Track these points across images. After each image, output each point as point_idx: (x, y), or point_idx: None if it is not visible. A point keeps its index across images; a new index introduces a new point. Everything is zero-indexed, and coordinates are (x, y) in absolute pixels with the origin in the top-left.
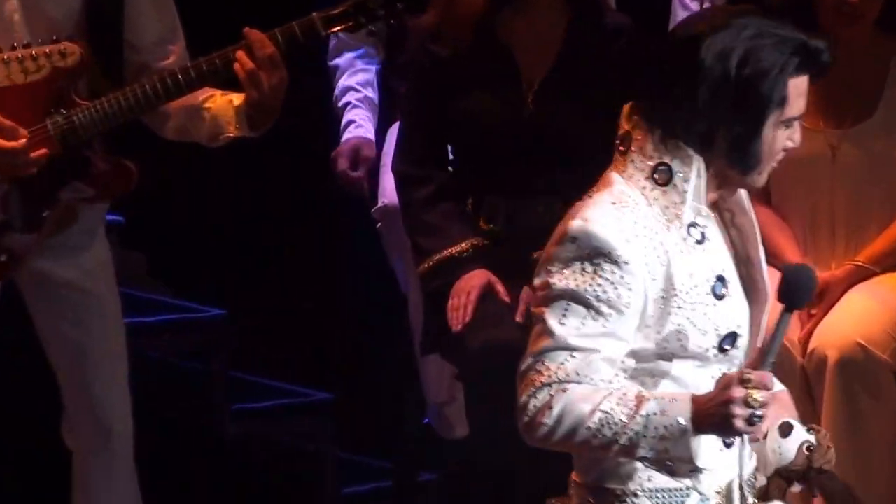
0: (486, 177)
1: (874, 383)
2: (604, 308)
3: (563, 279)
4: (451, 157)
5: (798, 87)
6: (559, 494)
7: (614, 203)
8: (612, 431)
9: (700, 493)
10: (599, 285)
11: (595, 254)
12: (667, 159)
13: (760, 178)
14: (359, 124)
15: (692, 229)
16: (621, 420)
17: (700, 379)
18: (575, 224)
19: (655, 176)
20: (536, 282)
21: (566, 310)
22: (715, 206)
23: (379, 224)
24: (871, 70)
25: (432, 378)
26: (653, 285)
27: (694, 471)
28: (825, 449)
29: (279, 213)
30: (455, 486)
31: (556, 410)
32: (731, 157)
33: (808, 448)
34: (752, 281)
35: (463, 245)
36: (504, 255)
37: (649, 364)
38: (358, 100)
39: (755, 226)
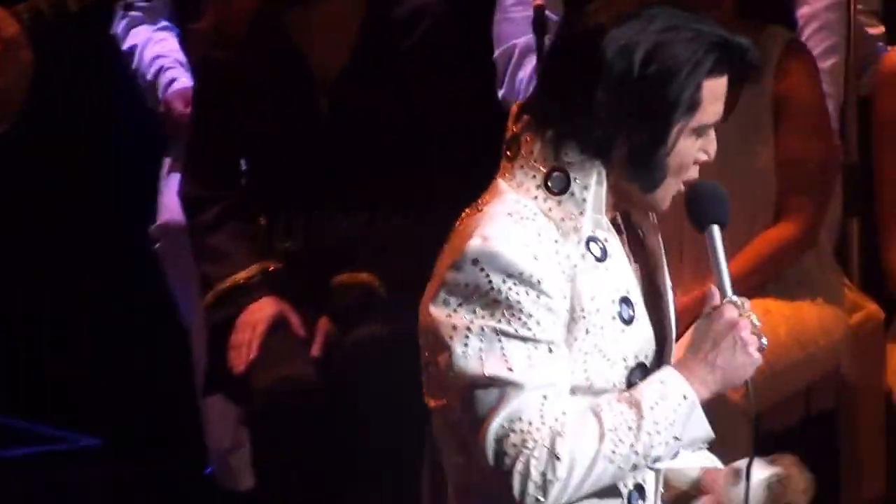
0: (281, 191)
1: (722, 429)
2: (538, 334)
3: (474, 318)
4: (244, 171)
5: (714, 91)
6: None
7: (511, 215)
8: (627, 446)
9: None
10: (521, 311)
11: (503, 277)
12: (562, 165)
13: (664, 200)
14: (181, 80)
15: (591, 244)
16: (629, 428)
17: None
18: (473, 244)
19: (549, 184)
20: (434, 314)
21: (504, 351)
22: (627, 219)
23: (157, 245)
24: None
25: (215, 421)
26: (564, 304)
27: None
28: (797, 475)
29: (45, 233)
30: None
31: (565, 460)
32: (631, 170)
33: (778, 480)
34: (658, 312)
35: (251, 270)
36: (301, 280)
37: None
38: (171, 62)
39: (662, 251)
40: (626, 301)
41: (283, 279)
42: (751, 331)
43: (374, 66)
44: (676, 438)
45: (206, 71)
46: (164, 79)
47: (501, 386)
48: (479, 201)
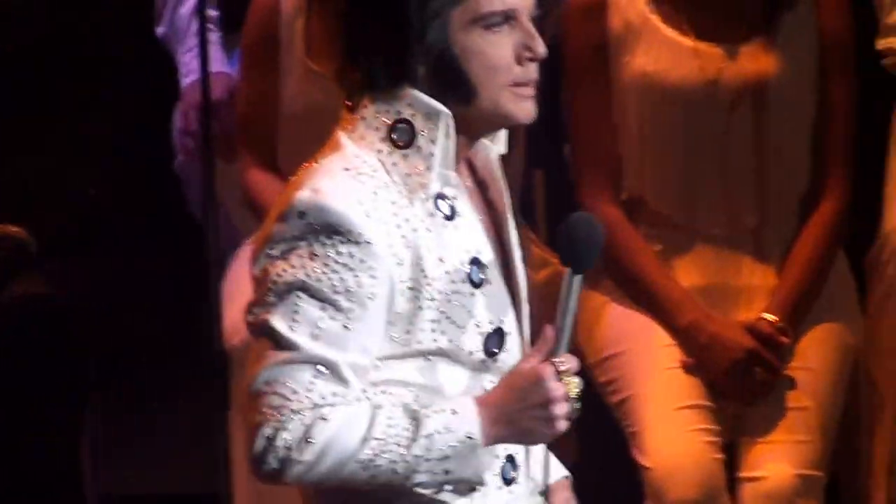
0: None
1: None
2: (342, 301)
3: (290, 268)
4: None
5: None
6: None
7: (348, 169)
8: (387, 460)
9: None
10: (336, 272)
11: (329, 232)
12: (407, 114)
13: (506, 108)
14: None
15: (440, 202)
16: (398, 444)
17: (475, 392)
18: (302, 196)
19: (394, 136)
20: (255, 272)
21: (296, 308)
22: (465, 174)
23: None
24: None
25: None
26: (399, 271)
27: (473, 490)
28: None
29: None
30: None
31: (317, 445)
32: (441, 84)
33: None
34: (507, 272)
35: None
36: None
37: (407, 375)
38: None
39: (507, 201)
40: (476, 262)
41: None
42: (565, 399)
43: None
44: (447, 472)
45: None
46: None
47: (275, 341)
48: (317, 155)
